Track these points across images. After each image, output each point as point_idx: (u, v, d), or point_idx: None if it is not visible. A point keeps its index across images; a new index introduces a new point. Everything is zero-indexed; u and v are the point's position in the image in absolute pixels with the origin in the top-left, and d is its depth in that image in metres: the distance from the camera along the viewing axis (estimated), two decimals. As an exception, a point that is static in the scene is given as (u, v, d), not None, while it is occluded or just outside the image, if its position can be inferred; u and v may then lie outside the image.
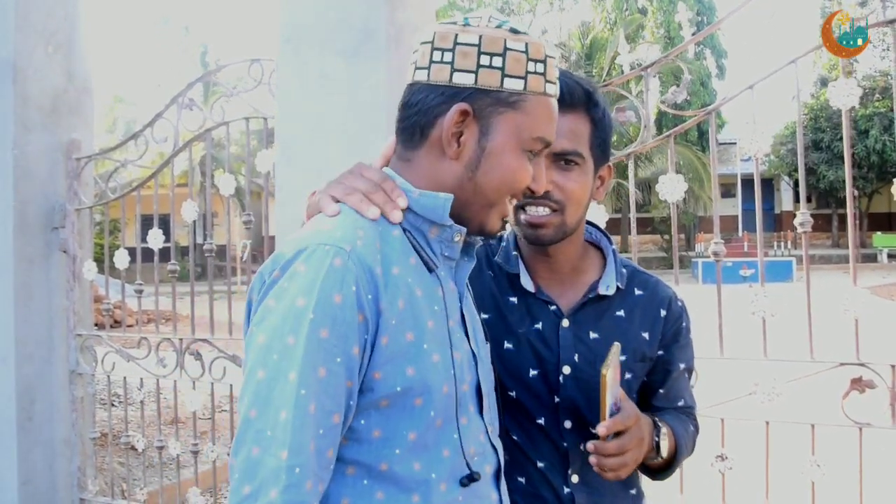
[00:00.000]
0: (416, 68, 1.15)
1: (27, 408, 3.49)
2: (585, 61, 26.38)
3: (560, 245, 1.45)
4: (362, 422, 1.08)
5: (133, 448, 3.68)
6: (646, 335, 1.48)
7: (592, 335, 1.43)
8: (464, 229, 1.19)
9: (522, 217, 1.40)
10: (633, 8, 29.20)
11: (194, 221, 3.20)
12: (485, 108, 1.12)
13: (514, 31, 1.12)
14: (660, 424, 1.41)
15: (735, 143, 24.75)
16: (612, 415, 1.27)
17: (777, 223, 31.73)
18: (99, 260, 3.71)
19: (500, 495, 1.25)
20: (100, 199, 3.64)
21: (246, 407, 1.02)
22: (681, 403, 1.55)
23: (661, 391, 1.53)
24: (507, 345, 1.45)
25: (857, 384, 2.21)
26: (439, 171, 1.15)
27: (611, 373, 1.24)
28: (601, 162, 1.45)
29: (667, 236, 28.88)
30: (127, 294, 3.65)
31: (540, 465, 1.43)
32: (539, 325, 1.45)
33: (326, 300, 1.02)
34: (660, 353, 1.50)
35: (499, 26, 1.12)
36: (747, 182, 25.55)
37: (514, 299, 1.47)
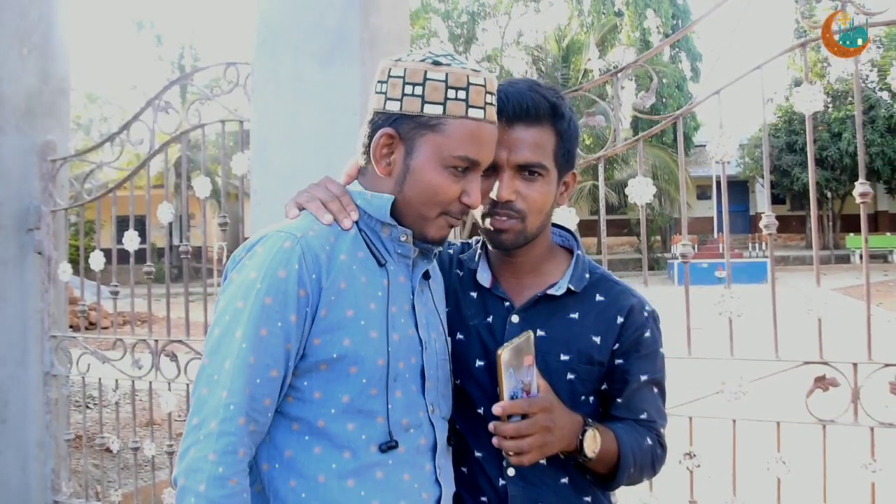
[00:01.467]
0: (374, 94, 1.35)
1: (1, 411, 3.48)
2: (562, 64, 26.49)
3: (524, 248, 1.50)
4: (305, 383, 1.29)
5: (108, 450, 3.68)
6: (596, 339, 1.49)
7: (540, 332, 1.47)
8: (409, 231, 1.36)
9: (487, 223, 1.47)
10: (609, 11, 29.37)
11: (170, 223, 3.21)
12: (409, 130, 1.31)
13: (436, 63, 1.29)
14: (588, 426, 1.41)
15: (705, 146, 24.98)
16: (513, 398, 1.30)
17: (752, 225, 32.07)
18: (74, 261, 3.71)
19: (434, 467, 1.39)
20: (75, 201, 3.64)
21: (203, 357, 1.26)
22: (643, 416, 1.52)
23: (619, 400, 1.52)
24: (458, 336, 1.52)
25: (821, 382, 2.26)
26: (380, 184, 1.36)
27: (507, 355, 1.26)
28: (565, 170, 1.51)
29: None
30: (102, 296, 3.64)
31: (478, 455, 1.48)
32: (490, 319, 1.51)
33: (273, 274, 1.24)
34: (618, 361, 1.50)
35: (423, 60, 1.29)
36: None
37: (473, 294, 1.55)
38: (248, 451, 1.22)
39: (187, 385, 3.18)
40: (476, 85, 1.29)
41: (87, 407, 5.36)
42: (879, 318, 11.83)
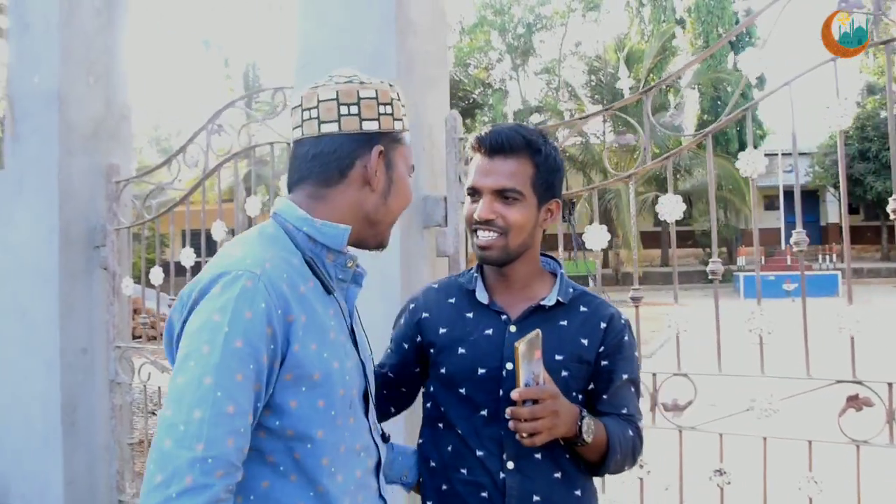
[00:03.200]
0: (321, 122, 1.37)
1: (70, 414, 3.71)
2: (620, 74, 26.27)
3: (513, 266, 1.73)
4: (273, 419, 1.25)
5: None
6: (584, 341, 1.70)
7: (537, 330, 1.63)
8: (356, 256, 1.43)
9: (475, 240, 1.70)
10: (670, 19, 29.02)
11: (223, 240, 3.38)
12: (388, 146, 1.41)
13: (391, 85, 1.43)
14: (584, 413, 1.61)
15: (777, 155, 24.40)
16: (527, 385, 1.48)
17: (822, 236, 31.19)
18: (142, 274, 3.92)
19: (378, 484, 1.47)
20: (137, 220, 3.86)
21: (164, 408, 1.16)
22: (624, 411, 1.74)
23: (604, 397, 1.73)
24: (460, 350, 1.71)
25: (854, 402, 2.25)
26: (360, 200, 1.40)
27: (524, 347, 1.45)
28: (546, 197, 1.71)
29: (708, 249, 28.58)
30: (165, 306, 3.85)
31: (479, 453, 1.66)
32: (490, 331, 1.71)
33: (240, 315, 1.18)
34: (604, 363, 1.72)
35: (381, 82, 1.41)
36: (790, 194, 25.24)
37: (469, 314, 1.75)
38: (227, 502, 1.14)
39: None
40: (399, 100, 1.44)
41: (152, 413, 5.62)
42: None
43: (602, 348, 1.71)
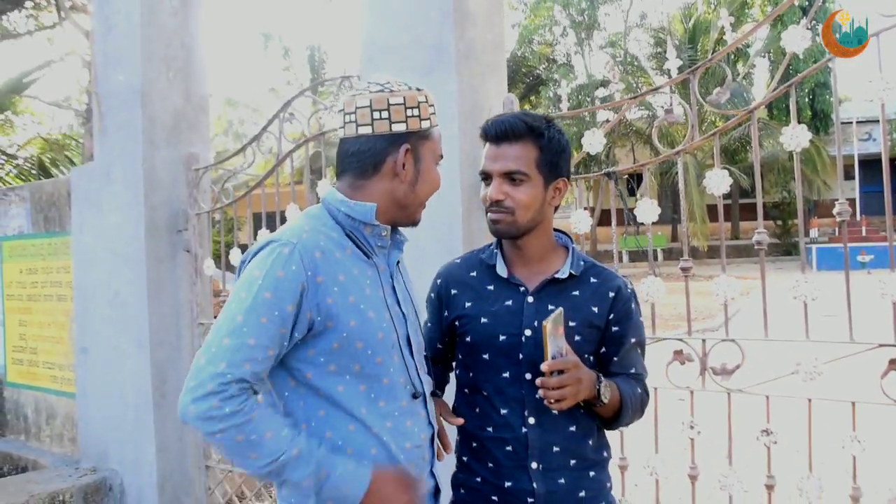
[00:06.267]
0: (358, 125, 1.66)
1: (160, 387, 4.01)
2: (688, 45, 25.67)
3: (527, 240, 1.91)
4: (322, 359, 1.60)
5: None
6: (595, 309, 1.89)
7: (550, 307, 1.83)
8: (388, 228, 1.72)
9: (488, 216, 1.88)
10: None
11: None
12: (415, 143, 1.69)
13: (419, 90, 1.69)
14: (601, 378, 1.80)
15: (852, 123, 23.63)
16: (553, 358, 1.66)
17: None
18: (218, 256, 4.18)
19: (427, 412, 1.77)
20: (216, 204, 4.12)
21: (208, 334, 1.54)
22: (632, 371, 1.93)
23: (615, 359, 1.92)
24: (483, 320, 1.90)
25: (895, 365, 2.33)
26: (392, 189, 1.70)
27: (550, 325, 1.63)
28: (552, 177, 1.88)
29: (779, 222, 27.91)
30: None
31: (503, 411, 1.86)
32: (510, 302, 1.89)
33: (273, 274, 1.54)
34: (614, 328, 1.90)
35: (409, 88, 1.68)
36: (866, 163, 24.48)
37: (490, 287, 1.94)
38: (246, 398, 1.48)
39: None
40: (427, 101, 1.70)
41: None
42: None
43: (612, 315, 1.89)
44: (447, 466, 1.92)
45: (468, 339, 1.92)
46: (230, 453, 1.53)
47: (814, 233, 25.34)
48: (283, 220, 3.63)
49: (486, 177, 1.88)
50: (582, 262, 1.93)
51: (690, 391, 2.67)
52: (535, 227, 1.89)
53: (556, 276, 1.88)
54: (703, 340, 2.64)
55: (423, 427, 1.75)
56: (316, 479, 1.55)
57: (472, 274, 1.99)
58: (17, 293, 5.27)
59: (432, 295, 2.06)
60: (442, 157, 1.77)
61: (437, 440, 1.82)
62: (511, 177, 1.84)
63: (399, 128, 1.66)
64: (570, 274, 1.89)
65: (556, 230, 2.00)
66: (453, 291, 1.99)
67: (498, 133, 1.85)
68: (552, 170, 1.88)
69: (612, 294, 1.90)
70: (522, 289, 1.90)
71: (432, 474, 1.80)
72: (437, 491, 1.82)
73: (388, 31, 3.07)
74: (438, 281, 2.05)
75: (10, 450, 5.07)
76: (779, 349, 2.51)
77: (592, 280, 1.92)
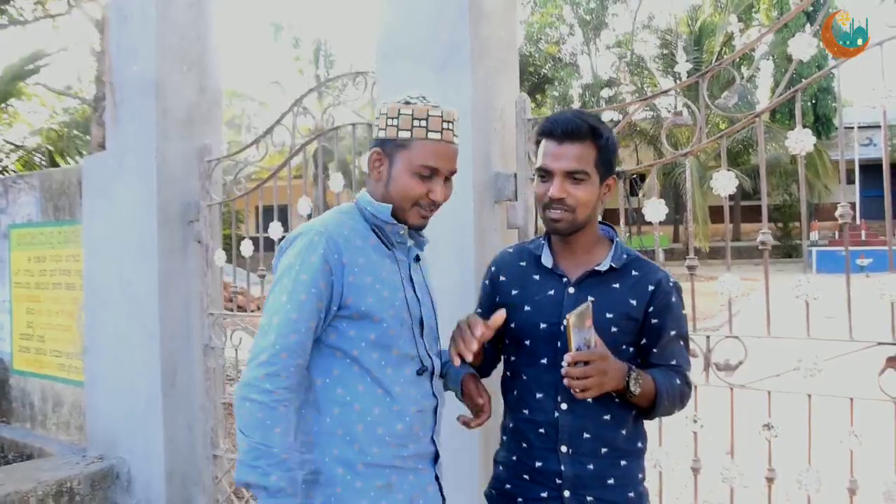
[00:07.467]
0: (378, 129, 1.90)
1: (170, 377, 4.06)
2: (693, 47, 25.66)
3: (576, 235, 1.98)
4: (344, 324, 1.83)
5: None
6: (633, 302, 1.94)
7: (590, 298, 1.88)
8: (404, 226, 1.90)
9: (547, 214, 1.94)
10: (745, -11, 28.18)
11: (309, 214, 3.63)
12: (389, 149, 1.87)
13: (407, 103, 1.85)
14: (633, 370, 1.85)
15: (853, 128, 23.67)
16: (578, 349, 1.74)
17: (903, 210, 30.06)
18: (226, 249, 4.22)
19: (431, 386, 1.95)
20: (227, 196, 4.16)
21: (261, 319, 1.80)
22: (673, 363, 1.98)
23: (654, 350, 1.97)
24: (526, 308, 1.99)
25: (893, 362, 2.38)
26: (376, 188, 1.92)
27: (574, 319, 1.70)
28: (606, 175, 1.96)
29: (780, 224, 27.96)
30: (250, 281, 4.13)
31: (538, 396, 1.96)
32: (552, 292, 1.98)
33: (307, 259, 1.78)
34: (654, 321, 1.95)
35: (398, 101, 1.86)
36: (866, 168, 24.50)
37: (536, 276, 2.03)
38: (288, 376, 1.72)
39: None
40: (434, 116, 1.84)
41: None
42: None
43: (651, 308, 1.94)
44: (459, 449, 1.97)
45: (512, 325, 1.99)
46: (241, 418, 1.72)
47: (814, 236, 25.38)
48: (286, 213, 3.67)
49: (546, 174, 1.93)
50: (625, 256, 1.99)
51: (694, 386, 2.71)
52: (588, 224, 1.97)
53: (597, 268, 1.95)
54: (708, 337, 2.69)
55: (428, 397, 1.93)
56: (290, 483, 1.72)
57: (521, 263, 2.08)
58: (24, 281, 5.32)
59: (486, 282, 2.16)
60: (432, 169, 1.86)
61: (440, 411, 1.98)
62: (574, 176, 1.90)
63: (380, 134, 1.88)
64: (611, 266, 1.96)
65: (602, 223, 2.07)
66: (502, 278, 2.08)
67: (564, 132, 1.89)
68: (607, 169, 1.95)
69: (651, 287, 1.95)
70: (565, 279, 1.97)
71: (433, 441, 1.95)
72: (436, 456, 1.97)
73: (405, 28, 3.11)
74: (492, 268, 2.15)
75: (15, 437, 5.13)
76: (780, 347, 2.56)
77: (634, 273, 1.98)
